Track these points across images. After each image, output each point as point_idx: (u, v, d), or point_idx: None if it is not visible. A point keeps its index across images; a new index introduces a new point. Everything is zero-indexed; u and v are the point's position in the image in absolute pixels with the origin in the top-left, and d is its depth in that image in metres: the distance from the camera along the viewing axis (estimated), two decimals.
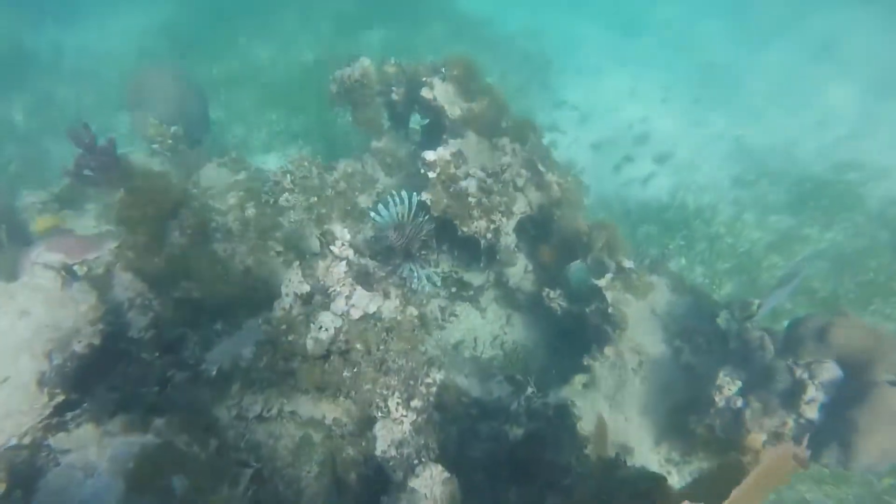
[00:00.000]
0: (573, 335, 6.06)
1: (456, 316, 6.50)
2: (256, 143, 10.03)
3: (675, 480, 5.19)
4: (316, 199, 5.87)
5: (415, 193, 4.89)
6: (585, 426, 5.03)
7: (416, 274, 4.46)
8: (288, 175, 5.75)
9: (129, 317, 4.47)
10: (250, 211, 5.69)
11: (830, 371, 4.01)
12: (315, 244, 5.86)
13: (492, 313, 6.69)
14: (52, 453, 3.55)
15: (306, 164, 5.90)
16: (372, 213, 4.70)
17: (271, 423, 4.22)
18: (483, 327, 6.64)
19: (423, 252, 4.68)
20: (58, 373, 3.70)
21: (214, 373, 3.90)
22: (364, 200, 6.54)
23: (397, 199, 4.83)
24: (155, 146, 6.71)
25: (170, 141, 6.36)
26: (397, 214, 4.74)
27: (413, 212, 4.83)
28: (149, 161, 7.17)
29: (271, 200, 5.79)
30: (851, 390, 3.89)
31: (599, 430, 4.18)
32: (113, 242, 4.77)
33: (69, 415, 3.73)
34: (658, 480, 2.67)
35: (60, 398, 3.71)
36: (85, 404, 3.84)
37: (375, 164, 6.74)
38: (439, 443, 4.13)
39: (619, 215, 8.99)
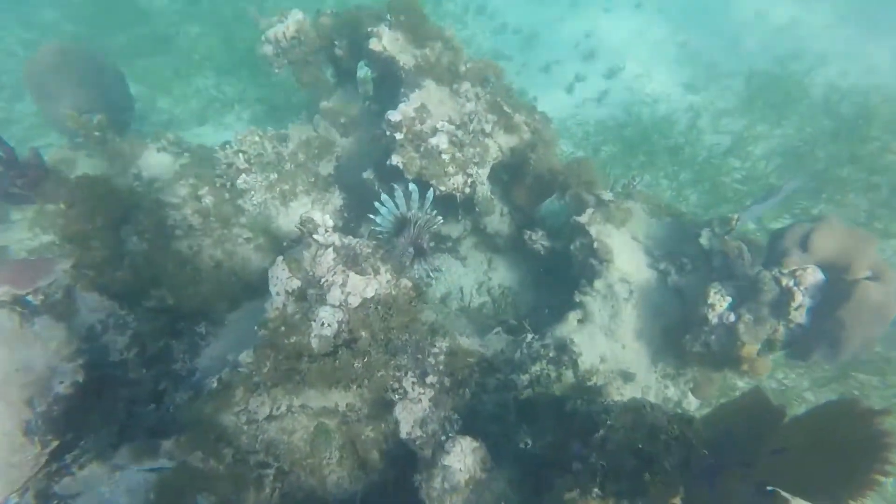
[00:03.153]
0: (557, 270, 6.12)
1: (440, 271, 6.43)
2: (187, 116, 9.16)
3: (672, 392, 5.52)
4: (276, 175, 5.47)
5: (414, 187, 4.26)
6: (586, 360, 5.20)
7: (427, 273, 4.25)
8: (241, 155, 5.29)
9: (105, 339, 4.14)
10: (207, 199, 5.27)
11: (814, 276, 4.20)
12: (286, 223, 5.53)
13: (472, 260, 6.65)
14: (61, 501, 3.36)
15: (258, 138, 5.43)
16: (372, 217, 4.17)
17: (282, 419, 4.12)
18: (466, 275, 6.62)
19: (431, 244, 4.26)
20: (45, 419, 3.43)
21: (215, 384, 3.71)
22: (325, 167, 6.17)
23: (396, 196, 4.23)
24: (79, 140, 6.00)
25: (96, 133, 5.68)
26: (400, 212, 4.20)
27: (419, 205, 4.24)
28: (73, 155, 6.46)
29: (228, 184, 5.36)
30: (835, 291, 4.10)
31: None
32: (62, 262, 4.33)
33: (69, 457, 3.51)
34: (689, 422, 2.77)
35: (55, 444, 3.46)
36: (83, 442, 3.62)
37: (328, 125, 6.30)
38: (455, 407, 4.15)
39: (579, 139, 8.90)
